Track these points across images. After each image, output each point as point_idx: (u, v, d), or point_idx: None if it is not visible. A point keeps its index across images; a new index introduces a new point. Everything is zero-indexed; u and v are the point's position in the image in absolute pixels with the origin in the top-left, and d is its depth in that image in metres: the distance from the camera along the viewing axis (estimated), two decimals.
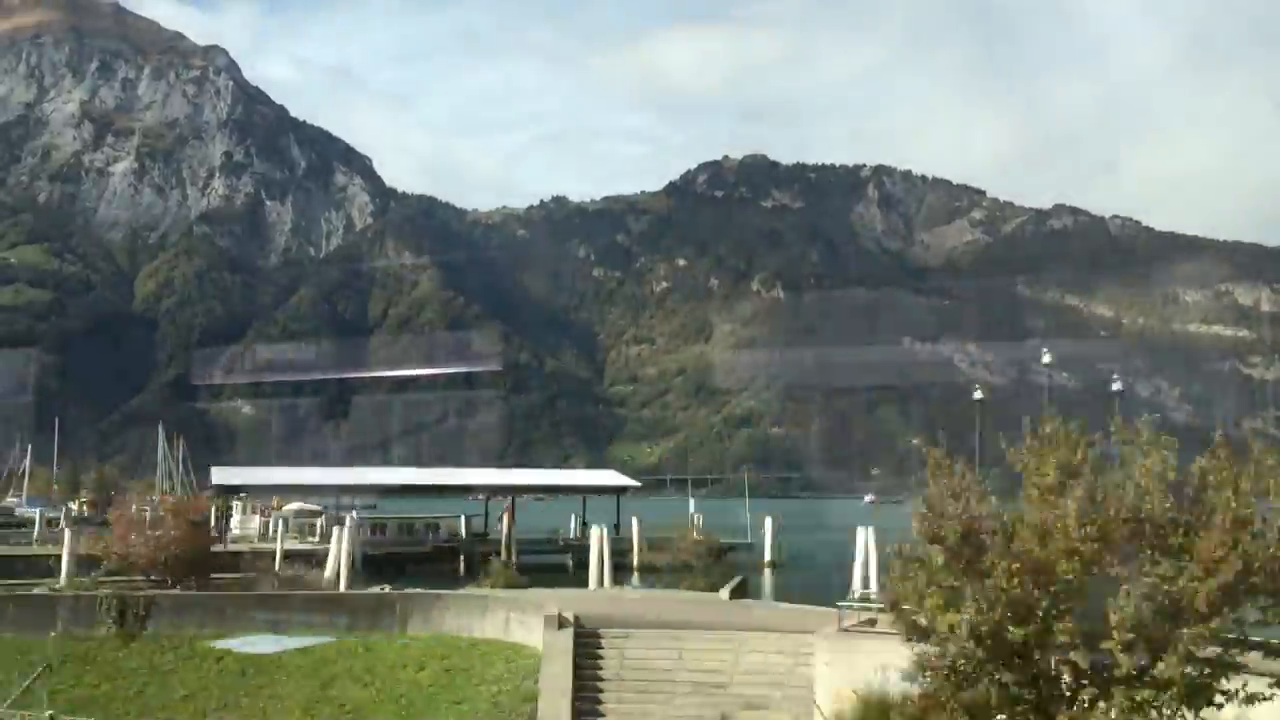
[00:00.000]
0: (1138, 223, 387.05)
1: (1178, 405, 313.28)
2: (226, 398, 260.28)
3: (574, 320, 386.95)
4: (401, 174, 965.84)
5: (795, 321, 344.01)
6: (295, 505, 71.04)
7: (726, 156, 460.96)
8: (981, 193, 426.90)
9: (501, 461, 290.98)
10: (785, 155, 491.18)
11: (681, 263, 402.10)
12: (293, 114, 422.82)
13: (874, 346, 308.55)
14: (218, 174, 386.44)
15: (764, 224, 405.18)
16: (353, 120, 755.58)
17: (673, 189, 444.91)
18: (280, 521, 61.00)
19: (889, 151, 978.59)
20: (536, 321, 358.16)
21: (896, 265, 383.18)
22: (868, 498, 68.31)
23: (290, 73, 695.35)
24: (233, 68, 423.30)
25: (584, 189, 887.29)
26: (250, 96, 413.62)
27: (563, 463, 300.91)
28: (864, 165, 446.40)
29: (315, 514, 69.62)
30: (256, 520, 68.35)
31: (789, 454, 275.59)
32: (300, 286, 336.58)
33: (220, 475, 66.99)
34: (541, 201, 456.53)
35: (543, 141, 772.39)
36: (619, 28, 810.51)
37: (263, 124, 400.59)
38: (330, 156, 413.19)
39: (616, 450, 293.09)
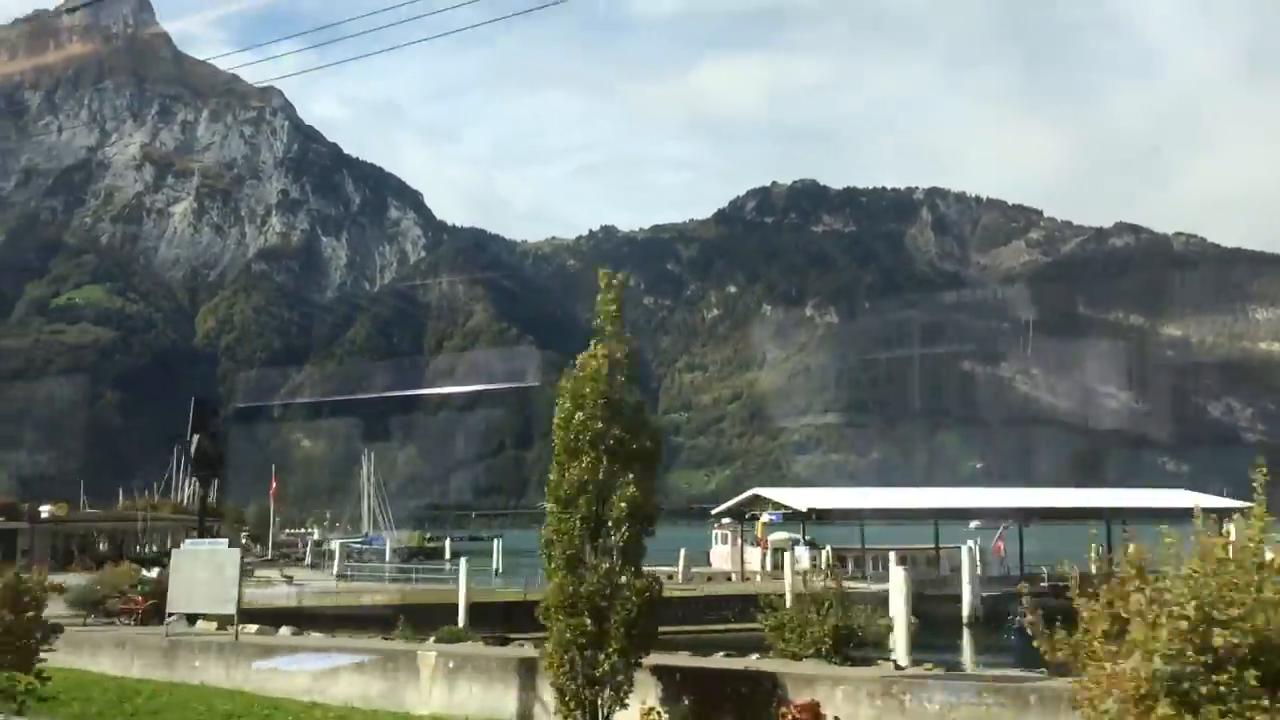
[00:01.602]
0: (1203, 239, 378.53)
1: (1250, 425, 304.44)
2: (285, 430, 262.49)
3: None
4: (451, 207, 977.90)
5: (850, 346, 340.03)
6: (783, 534, 60.20)
7: (775, 182, 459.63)
8: (1038, 213, 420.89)
9: None
10: (834, 179, 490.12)
11: (732, 289, 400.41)
12: (346, 151, 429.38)
13: (932, 370, 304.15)
14: (274, 212, 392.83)
15: (815, 249, 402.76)
16: (402, 156, 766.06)
17: (721, 216, 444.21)
18: (782, 555, 50.27)
19: (941, 173, 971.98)
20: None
21: (953, 288, 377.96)
22: (973, 524, 62.87)
23: (341, 111, 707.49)
24: (288, 108, 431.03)
25: (631, 218, 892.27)
26: (305, 135, 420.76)
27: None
28: (916, 188, 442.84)
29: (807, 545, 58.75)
30: (758, 554, 56.63)
31: (849, 480, 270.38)
32: (356, 320, 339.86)
33: (803, 498, 56.37)
34: (590, 231, 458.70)
35: (587, 171, 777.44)
36: (659, 58, 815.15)
37: (318, 162, 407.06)
38: (383, 192, 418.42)
39: (674, 478, 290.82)
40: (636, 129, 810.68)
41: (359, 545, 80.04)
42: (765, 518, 57.06)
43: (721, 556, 59.58)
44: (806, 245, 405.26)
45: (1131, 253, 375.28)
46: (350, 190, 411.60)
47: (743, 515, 61.34)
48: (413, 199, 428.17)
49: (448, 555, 79.43)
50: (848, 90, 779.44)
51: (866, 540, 55.03)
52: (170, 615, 22.00)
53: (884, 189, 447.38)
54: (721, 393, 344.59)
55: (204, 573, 21.20)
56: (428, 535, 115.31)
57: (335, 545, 70.60)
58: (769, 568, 52.97)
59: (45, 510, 70.69)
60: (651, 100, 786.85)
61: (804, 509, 52.98)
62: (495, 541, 64.61)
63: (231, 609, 21.02)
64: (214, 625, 22.87)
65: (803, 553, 48.80)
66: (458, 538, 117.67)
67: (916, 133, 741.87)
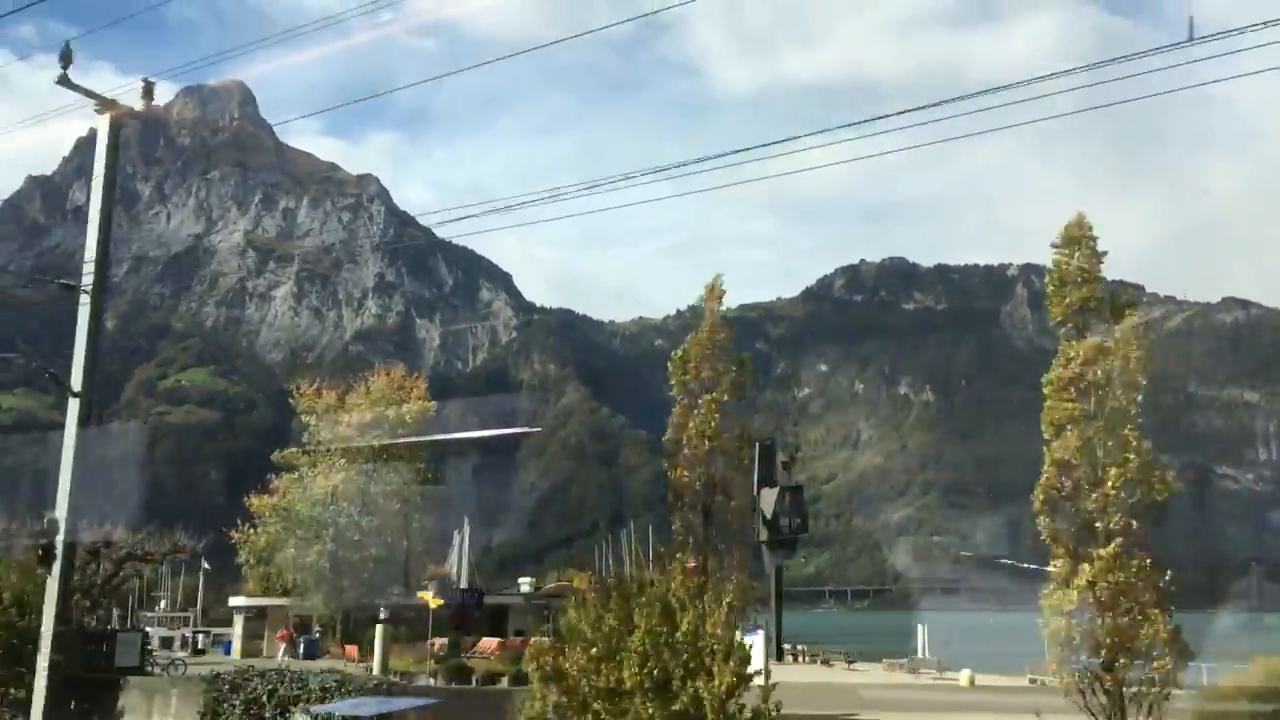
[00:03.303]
0: None
1: None
2: None
3: None
4: (540, 289, 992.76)
5: (949, 425, 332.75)
6: None
7: (863, 260, 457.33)
8: (1140, 288, 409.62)
9: (651, 571, 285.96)
10: (924, 257, 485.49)
11: (823, 368, 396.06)
12: (439, 235, 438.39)
13: (1036, 450, 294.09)
14: (371, 294, 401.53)
15: (907, 327, 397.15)
16: (492, 238, 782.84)
17: (809, 294, 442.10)
18: None
19: (1034, 249, 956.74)
20: None
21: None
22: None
23: (429, 196, 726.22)
24: (384, 194, 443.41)
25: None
26: (400, 220, 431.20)
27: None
28: (1009, 264, 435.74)
29: None
30: None
31: (955, 563, 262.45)
32: (450, 399, 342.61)
33: None
34: (678, 311, 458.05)
35: (672, 251, 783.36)
36: (740, 137, 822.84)
37: (412, 245, 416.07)
38: (475, 274, 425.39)
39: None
40: (720, 208, 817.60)
41: None
42: None
43: None
44: (898, 323, 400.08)
45: (1241, 328, 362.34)
46: (444, 273, 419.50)
47: None
48: (503, 280, 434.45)
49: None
50: (933, 168, 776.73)
51: None
52: None
53: (976, 265, 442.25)
54: (817, 472, 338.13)
55: None
56: None
57: None
58: None
59: (525, 583, 63.78)
60: (735, 178, 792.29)
61: None
62: (919, 627, 51.96)
63: None
64: None
65: None
66: None
67: (1006, 208, 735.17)
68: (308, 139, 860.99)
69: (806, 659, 50.16)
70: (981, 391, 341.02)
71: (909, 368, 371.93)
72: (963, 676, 40.18)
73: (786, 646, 49.60)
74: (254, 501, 44.44)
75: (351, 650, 45.77)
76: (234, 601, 51.69)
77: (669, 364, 24.17)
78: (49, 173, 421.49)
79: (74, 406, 17.06)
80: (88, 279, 16.68)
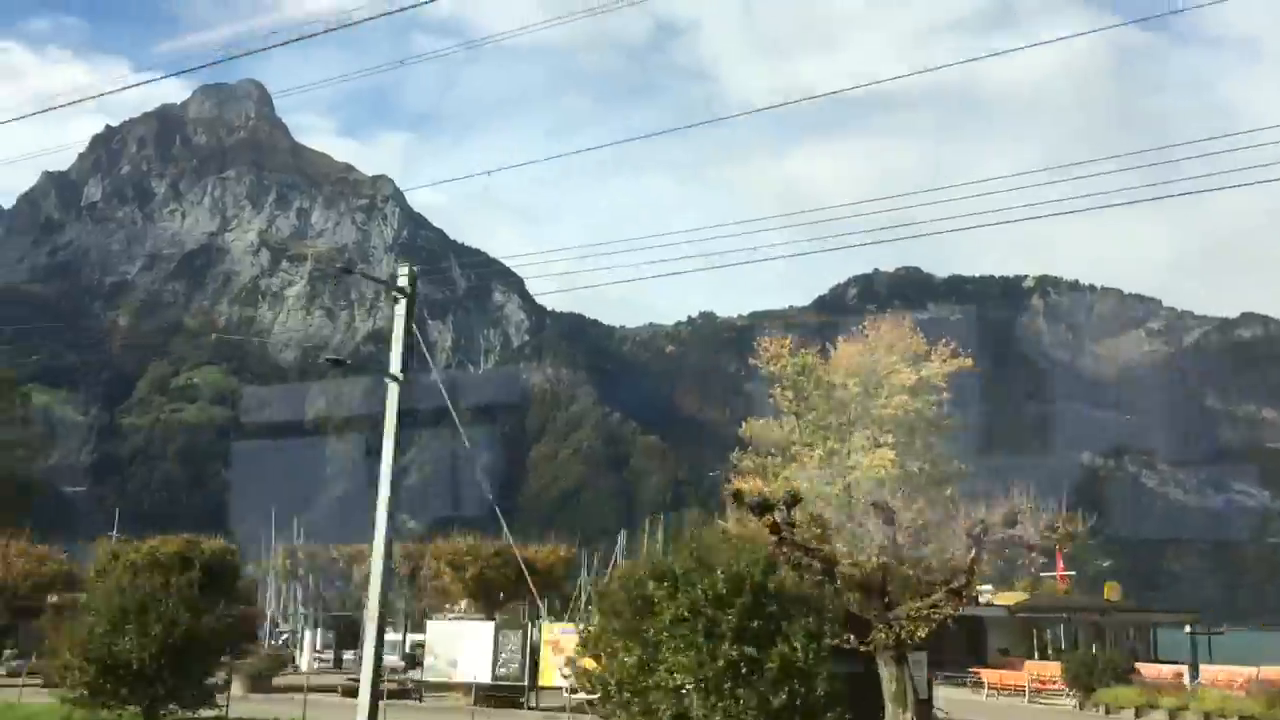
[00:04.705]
0: None
1: None
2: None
3: (728, 435, 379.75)
4: (549, 292, 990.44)
5: (964, 437, 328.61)
6: None
7: (877, 269, 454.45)
8: (1157, 301, 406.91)
9: None
10: (938, 267, 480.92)
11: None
12: (452, 237, 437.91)
13: (1050, 463, 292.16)
14: (383, 295, 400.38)
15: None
16: (501, 241, 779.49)
17: (822, 303, 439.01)
18: None
19: (1051, 261, 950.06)
20: (692, 437, 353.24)
21: (1067, 378, 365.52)
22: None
23: (438, 198, 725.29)
24: (398, 195, 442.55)
25: (729, 304, 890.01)
26: (415, 221, 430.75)
27: None
28: (1026, 276, 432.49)
29: None
30: None
31: None
32: (460, 402, 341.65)
33: None
34: (689, 318, 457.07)
35: (684, 257, 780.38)
36: (754, 143, 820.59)
37: (426, 247, 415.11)
38: (488, 276, 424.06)
39: None
40: (732, 214, 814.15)
41: None
42: None
43: None
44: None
45: (1260, 344, 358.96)
46: (456, 274, 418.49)
47: None
48: (516, 284, 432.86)
49: None
50: (947, 175, 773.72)
51: None
52: None
53: (991, 276, 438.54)
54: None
55: None
56: None
57: None
58: None
59: (985, 590, 50.95)
60: (746, 185, 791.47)
61: None
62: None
63: None
64: None
65: None
66: None
67: (1023, 220, 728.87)
68: (324, 139, 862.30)
69: None
70: (996, 403, 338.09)
71: None
72: None
73: None
74: (737, 485, 37.14)
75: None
76: None
77: None
78: (65, 168, 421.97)
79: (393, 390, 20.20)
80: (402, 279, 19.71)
